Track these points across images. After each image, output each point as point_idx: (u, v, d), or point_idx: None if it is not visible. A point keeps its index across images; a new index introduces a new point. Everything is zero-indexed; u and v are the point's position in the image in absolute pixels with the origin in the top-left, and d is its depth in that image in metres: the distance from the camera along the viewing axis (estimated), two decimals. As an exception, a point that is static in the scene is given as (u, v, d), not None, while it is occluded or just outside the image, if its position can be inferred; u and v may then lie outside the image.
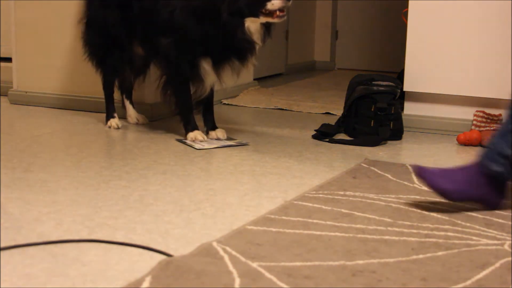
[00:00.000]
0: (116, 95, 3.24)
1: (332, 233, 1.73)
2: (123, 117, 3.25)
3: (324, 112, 3.71)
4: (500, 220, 1.87)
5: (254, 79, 4.67)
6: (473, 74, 3.05)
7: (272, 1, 2.61)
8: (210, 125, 2.95)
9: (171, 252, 1.58)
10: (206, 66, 2.79)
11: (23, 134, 2.93)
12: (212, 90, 2.93)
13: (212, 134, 2.92)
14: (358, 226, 1.79)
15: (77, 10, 3.26)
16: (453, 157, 2.70)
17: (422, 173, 1.96)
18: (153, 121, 3.32)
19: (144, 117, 3.27)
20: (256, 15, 2.65)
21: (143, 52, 3.07)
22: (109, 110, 3.17)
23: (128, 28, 2.99)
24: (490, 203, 1.98)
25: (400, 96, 3.06)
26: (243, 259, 1.52)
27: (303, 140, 2.96)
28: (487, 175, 1.95)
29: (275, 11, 2.63)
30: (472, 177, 1.96)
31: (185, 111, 2.88)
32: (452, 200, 1.96)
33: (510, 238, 1.72)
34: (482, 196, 1.97)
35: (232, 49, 2.75)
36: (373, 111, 2.91)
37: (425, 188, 2.17)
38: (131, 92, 3.25)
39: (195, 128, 2.88)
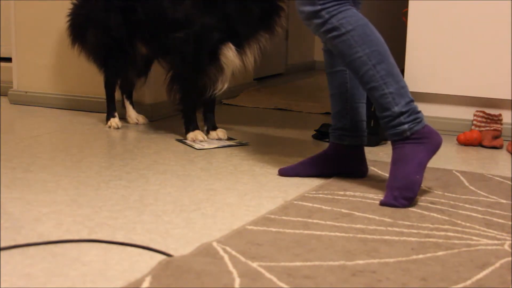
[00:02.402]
0: (117, 95, 3.24)
1: (332, 233, 1.73)
2: (123, 117, 3.25)
3: (324, 112, 3.71)
4: (500, 220, 1.87)
5: (254, 79, 4.68)
6: (473, 74, 3.05)
7: None
8: (211, 125, 2.94)
9: (171, 252, 1.58)
10: (228, 53, 2.75)
11: (23, 134, 2.93)
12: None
13: (213, 134, 2.92)
14: (358, 226, 1.79)
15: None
16: (453, 157, 2.70)
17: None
18: (153, 121, 3.32)
19: (144, 117, 3.27)
20: None
21: (147, 52, 3.06)
22: (110, 109, 3.18)
23: (131, 29, 2.98)
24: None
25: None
26: (243, 259, 1.52)
27: (303, 140, 2.96)
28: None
29: None
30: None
31: (189, 110, 2.88)
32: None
33: (510, 238, 1.72)
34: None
35: (258, 18, 2.71)
36: (373, 111, 2.90)
37: (425, 188, 2.17)
38: (131, 93, 3.26)
39: (196, 128, 2.88)
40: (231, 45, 2.74)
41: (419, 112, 2.03)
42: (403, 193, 1.97)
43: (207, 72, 2.80)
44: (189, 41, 2.75)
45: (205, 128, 2.95)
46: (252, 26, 2.74)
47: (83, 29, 3.14)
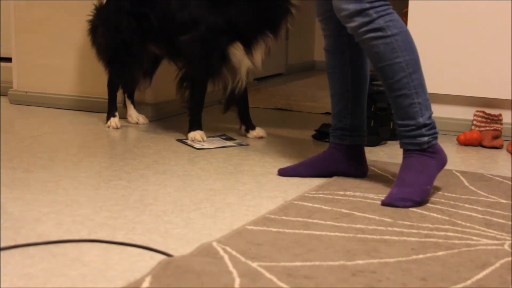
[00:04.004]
0: (118, 95, 3.24)
1: (332, 233, 1.73)
2: (123, 117, 3.25)
3: (324, 112, 3.71)
4: (500, 220, 1.87)
5: (254, 79, 4.67)
6: (473, 74, 3.05)
7: None
8: (248, 125, 2.97)
9: (171, 252, 1.58)
10: (237, 53, 2.78)
11: (23, 134, 2.93)
12: (245, 88, 2.93)
13: (253, 133, 2.95)
14: (358, 226, 1.79)
15: (78, 10, 3.26)
16: (453, 157, 2.70)
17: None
18: (154, 121, 3.32)
19: (144, 117, 3.27)
20: None
21: (160, 54, 3.07)
22: (111, 109, 3.18)
23: (143, 33, 2.98)
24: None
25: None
26: (243, 259, 1.52)
27: (303, 140, 2.96)
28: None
29: None
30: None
31: (196, 110, 2.90)
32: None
33: (510, 238, 1.72)
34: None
35: (265, 19, 2.73)
36: (373, 111, 2.91)
37: (425, 188, 2.17)
38: (133, 92, 3.26)
39: (198, 128, 2.89)
40: (239, 44, 2.77)
41: (436, 127, 2.06)
42: (410, 195, 1.98)
43: (220, 73, 2.82)
44: (196, 44, 2.78)
45: (244, 127, 2.97)
46: (258, 26, 2.76)
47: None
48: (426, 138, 2.03)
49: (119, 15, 3.01)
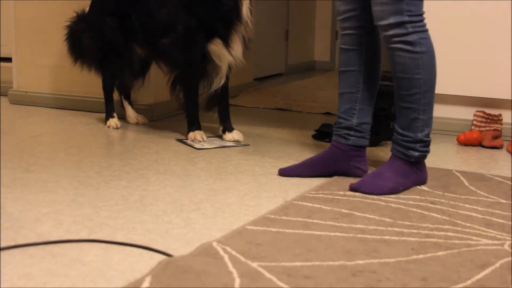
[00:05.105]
0: (115, 95, 3.24)
1: (332, 233, 1.73)
2: (123, 117, 3.25)
3: (324, 112, 3.71)
4: (500, 220, 1.87)
5: (254, 79, 4.68)
6: (473, 74, 3.05)
7: None
8: (226, 126, 2.92)
9: (171, 252, 1.58)
10: (216, 48, 2.78)
11: (23, 134, 2.93)
12: (226, 87, 2.92)
13: (229, 136, 2.89)
14: (358, 226, 1.79)
15: (78, 10, 3.26)
16: (453, 157, 2.70)
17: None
18: (153, 121, 3.32)
19: (144, 117, 3.27)
20: None
21: (144, 54, 3.08)
22: (108, 110, 3.18)
23: (126, 33, 3.00)
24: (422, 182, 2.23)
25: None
26: (243, 259, 1.52)
27: (303, 140, 2.96)
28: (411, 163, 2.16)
29: None
30: (401, 170, 2.15)
31: (192, 110, 2.90)
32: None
33: (510, 238, 1.72)
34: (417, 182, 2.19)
35: (229, 9, 2.74)
36: (373, 111, 2.90)
37: (425, 188, 2.17)
38: (129, 94, 3.26)
39: (197, 128, 2.89)
40: (217, 40, 2.76)
41: (429, 146, 2.15)
42: (381, 187, 2.09)
43: (206, 71, 2.82)
44: (177, 46, 2.79)
45: (221, 128, 2.94)
46: (226, 17, 2.75)
47: (79, 38, 3.16)
48: (417, 154, 2.13)
49: (102, 16, 3.02)
